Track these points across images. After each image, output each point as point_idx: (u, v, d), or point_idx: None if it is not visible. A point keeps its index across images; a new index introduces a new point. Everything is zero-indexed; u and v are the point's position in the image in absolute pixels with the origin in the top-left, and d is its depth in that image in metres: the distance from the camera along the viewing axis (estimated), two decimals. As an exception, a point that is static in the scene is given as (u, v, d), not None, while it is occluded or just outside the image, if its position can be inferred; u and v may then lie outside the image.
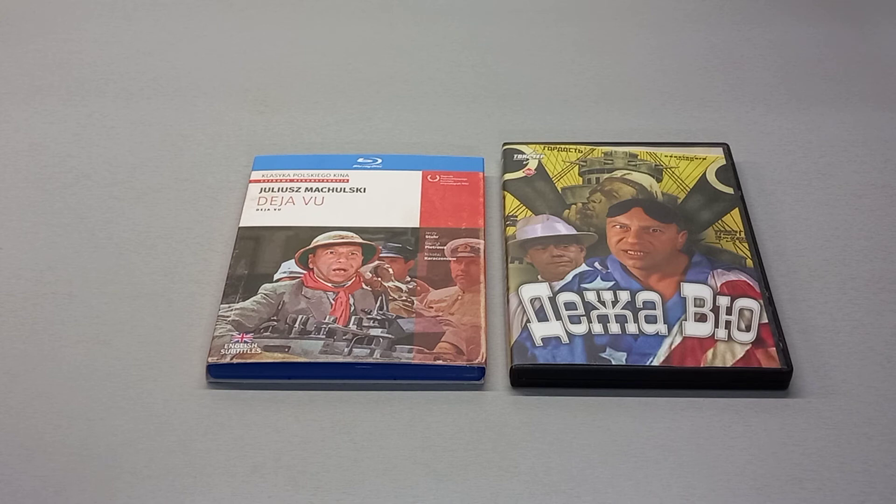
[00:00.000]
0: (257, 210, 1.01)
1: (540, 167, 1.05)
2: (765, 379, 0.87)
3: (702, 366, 0.87)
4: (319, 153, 1.10)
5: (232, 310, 0.91)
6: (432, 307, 0.92)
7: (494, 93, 1.19)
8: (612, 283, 0.93)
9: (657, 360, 0.87)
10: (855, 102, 1.17)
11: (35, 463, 0.82)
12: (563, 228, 0.99)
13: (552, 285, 0.93)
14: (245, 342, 0.89)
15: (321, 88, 1.19)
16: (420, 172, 1.04)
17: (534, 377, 0.88)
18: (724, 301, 0.92)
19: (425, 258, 0.96)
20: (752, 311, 0.91)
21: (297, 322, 0.90)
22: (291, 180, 1.04)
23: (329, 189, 1.03)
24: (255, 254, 0.96)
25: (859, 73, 1.21)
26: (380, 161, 1.06)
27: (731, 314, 0.91)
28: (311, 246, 0.97)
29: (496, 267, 0.98)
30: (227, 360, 0.88)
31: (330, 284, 0.94)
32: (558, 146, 1.07)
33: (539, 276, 0.94)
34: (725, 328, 0.90)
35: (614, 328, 0.90)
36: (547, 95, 1.18)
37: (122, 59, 1.22)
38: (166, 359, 0.89)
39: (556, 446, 0.83)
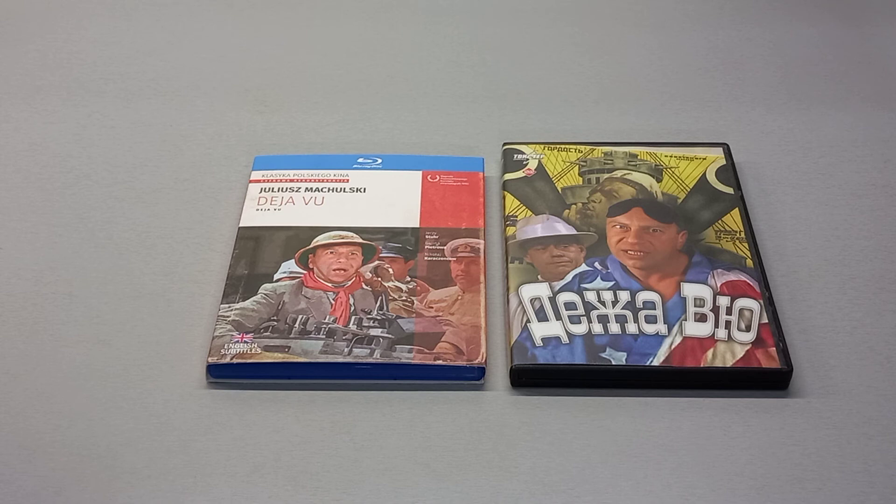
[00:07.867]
0: (257, 210, 1.01)
1: (540, 167, 1.05)
2: (765, 379, 0.87)
3: (702, 366, 0.87)
4: (319, 153, 1.10)
5: (232, 310, 0.91)
6: (432, 307, 0.92)
7: (494, 93, 1.18)
8: (612, 283, 0.93)
9: (657, 360, 0.87)
10: (855, 102, 1.17)
11: (35, 463, 0.82)
12: (563, 228, 0.99)
13: (552, 285, 0.93)
14: (245, 342, 0.89)
15: (321, 88, 1.19)
16: (420, 172, 1.04)
17: (534, 377, 0.88)
18: (724, 301, 0.92)
19: (425, 258, 0.96)
20: (752, 311, 0.91)
21: (297, 322, 0.90)
22: (291, 180, 1.04)
23: (329, 189, 1.03)
24: (255, 254, 0.96)
25: (859, 73, 1.21)
26: (380, 161, 1.06)
27: (731, 314, 0.91)
28: (311, 246, 0.97)
29: (496, 267, 0.98)
30: (227, 360, 0.88)
31: (330, 284, 0.94)
32: (558, 146, 1.07)
33: (539, 276, 0.94)
34: (725, 328, 0.90)
35: (614, 328, 0.90)
36: (547, 95, 1.18)
37: (122, 59, 1.22)
38: (166, 359, 0.89)
39: (556, 446, 0.83)
